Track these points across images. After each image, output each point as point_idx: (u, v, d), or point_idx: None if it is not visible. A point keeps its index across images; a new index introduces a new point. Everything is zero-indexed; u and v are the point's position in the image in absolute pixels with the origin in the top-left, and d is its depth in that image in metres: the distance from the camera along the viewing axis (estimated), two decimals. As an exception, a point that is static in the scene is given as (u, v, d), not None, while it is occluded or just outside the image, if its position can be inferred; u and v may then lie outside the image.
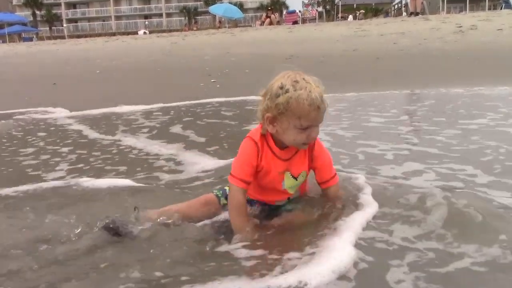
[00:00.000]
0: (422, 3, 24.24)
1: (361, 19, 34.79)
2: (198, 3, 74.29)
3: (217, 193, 2.36)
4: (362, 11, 40.44)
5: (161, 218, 2.20)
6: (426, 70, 9.00)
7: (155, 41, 19.21)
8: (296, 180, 2.19)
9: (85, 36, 43.91)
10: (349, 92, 7.09)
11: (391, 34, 13.95)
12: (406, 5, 25.75)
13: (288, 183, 2.18)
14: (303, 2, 42.29)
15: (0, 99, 8.48)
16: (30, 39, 42.73)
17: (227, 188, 2.27)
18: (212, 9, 34.33)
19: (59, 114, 6.54)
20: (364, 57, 10.96)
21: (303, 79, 2.01)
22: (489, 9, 26.70)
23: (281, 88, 2.00)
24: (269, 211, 2.28)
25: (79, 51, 17.52)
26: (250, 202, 2.27)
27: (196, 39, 18.36)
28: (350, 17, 37.82)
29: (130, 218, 2.16)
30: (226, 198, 2.27)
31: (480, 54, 10.11)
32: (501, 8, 28.64)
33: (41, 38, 46.95)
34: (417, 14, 20.14)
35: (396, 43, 12.45)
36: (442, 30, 13.86)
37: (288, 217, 2.19)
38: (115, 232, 2.09)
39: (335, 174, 2.27)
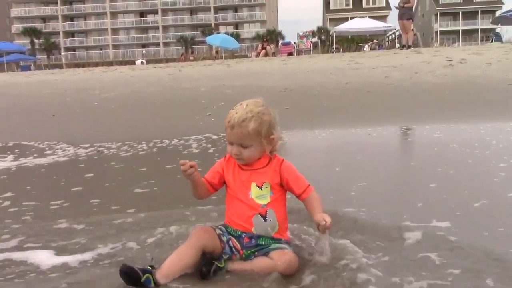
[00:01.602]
0: (415, 35, 24.80)
1: (374, 48, 35.57)
2: (195, 32, 75.44)
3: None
4: (375, 41, 41.03)
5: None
6: (415, 105, 9.22)
7: (152, 73, 19.47)
8: (261, 190, 2.42)
9: (83, 64, 44.44)
10: (335, 128, 7.31)
11: (383, 67, 14.24)
12: (399, 36, 26.20)
13: (254, 192, 2.41)
14: (298, 34, 43.10)
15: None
16: (28, 68, 43.19)
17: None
18: (209, 39, 35.02)
19: None
20: (356, 90, 11.18)
21: (246, 103, 2.41)
22: (481, 40, 27.37)
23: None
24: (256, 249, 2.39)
25: (77, 81, 17.74)
26: (235, 234, 2.41)
27: (192, 70, 18.62)
28: (366, 46, 38.50)
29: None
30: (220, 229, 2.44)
31: (469, 88, 10.38)
32: (491, 41, 29.33)
33: (38, 66, 47.48)
34: (409, 47, 20.53)
35: (388, 76, 12.71)
36: (432, 64, 14.17)
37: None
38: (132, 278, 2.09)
39: (309, 184, 2.48)
